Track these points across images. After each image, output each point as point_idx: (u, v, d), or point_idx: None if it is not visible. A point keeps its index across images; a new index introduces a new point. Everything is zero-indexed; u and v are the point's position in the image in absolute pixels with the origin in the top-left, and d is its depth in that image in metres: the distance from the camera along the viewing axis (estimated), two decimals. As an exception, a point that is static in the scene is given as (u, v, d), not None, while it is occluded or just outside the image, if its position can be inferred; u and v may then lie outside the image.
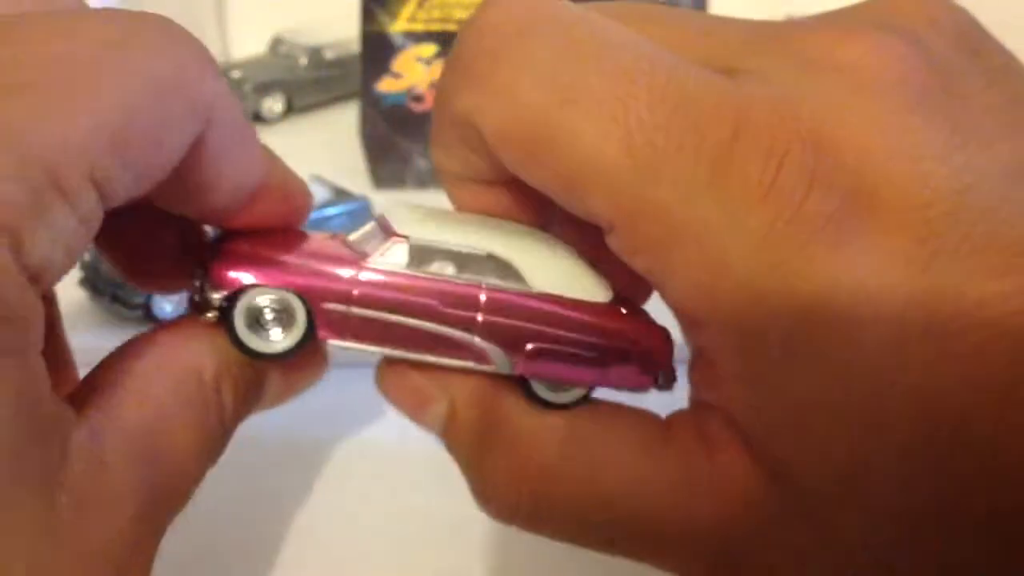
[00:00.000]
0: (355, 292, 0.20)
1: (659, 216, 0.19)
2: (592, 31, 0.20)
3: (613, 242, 0.20)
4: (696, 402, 0.22)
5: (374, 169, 0.54)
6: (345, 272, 0.20)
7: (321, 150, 0.58)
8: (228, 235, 0.22)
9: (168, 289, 0.24)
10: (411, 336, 0.21)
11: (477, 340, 0.21)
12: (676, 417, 0.22)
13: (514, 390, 0.22)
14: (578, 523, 0.22)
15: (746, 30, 0.21)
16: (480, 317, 0.21)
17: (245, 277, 0.20)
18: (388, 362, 0.22)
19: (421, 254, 0.21)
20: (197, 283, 0.21)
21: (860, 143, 0.18)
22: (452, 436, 0.22)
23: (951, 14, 0.21)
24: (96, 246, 0.23)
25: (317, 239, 0.22)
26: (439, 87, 0.21)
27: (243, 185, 0.21)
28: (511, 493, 0.21)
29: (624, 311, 0.21)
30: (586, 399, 0.22)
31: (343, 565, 0.29)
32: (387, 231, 0.21)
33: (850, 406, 0.18)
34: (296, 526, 0.31)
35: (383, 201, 0.49)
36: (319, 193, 0.47)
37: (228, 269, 0.20)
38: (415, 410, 0.22)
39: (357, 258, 0.21)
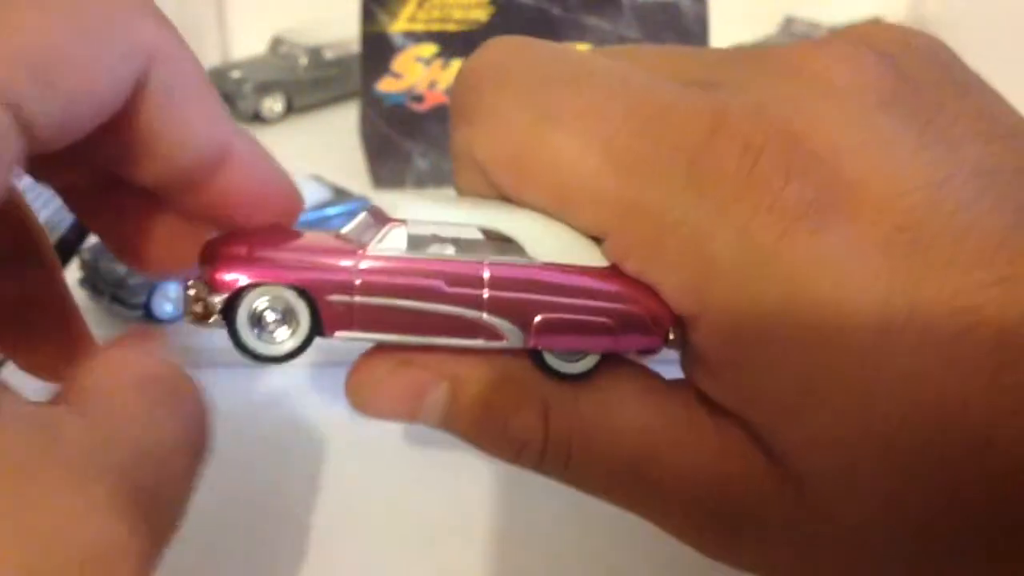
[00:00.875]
0: (358, 281, 0.20)
1: (644, 217, 0.19)
2: (568, 59, 0.21)
3: (607, 250, 0.21)
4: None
5: (374, 169, 0.54)
6: (345, 262, 0.20)
7: (321, 150, 0.58)
8: (223, 238, 0.21)
9: (166, 272, 0.24)
10: (419, 320, 0.20)
11: (486, 317, 0.21)
12: (680, 384, 0.22)
13: (516, 355, 0.21)
14: (593, 463, 0.22)
15: (724, 53, 0.23)
16: (486, 294, 0.20)
17: (242, 278, 0.20)
18: (360, 371, 0.22)
19: (420, 237, 0.20)
20: (193, 291, 0.20)
21: (833, 140, 0.19)
22: (459, 413, 0.22)
23: (924, 39, 0.22)
24: (92, 228, 0.24)
25: (312, 236, 0.22)
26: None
27: (200, 145, 0.20)
28: (538, 433, 0.22)
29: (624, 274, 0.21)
30: (597, 367, 0.22)
31: (343, 565, 0.29)
32: (381, 218, 0.21)
33: (839, 392, 0.19)
34: (295, 526, 0.31)
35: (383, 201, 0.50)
36: (319, 193, 0.47)
37: (225, 272, 0.20)
38: (411, 403, 0.22)
39: (355, 248, 0.20)
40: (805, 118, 0.19)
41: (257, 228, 0.22)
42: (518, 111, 0.20)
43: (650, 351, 0.22)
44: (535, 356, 0.21)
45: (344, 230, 0.22)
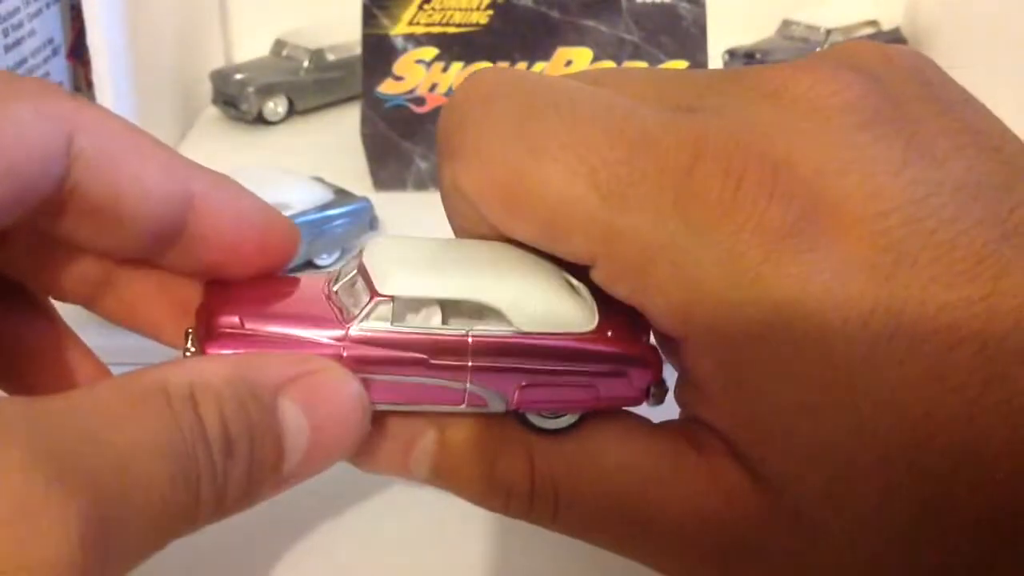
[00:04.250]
0: (344, 354, 0.20)
1: (631, 243, 0.19)
2: (551, 90, 0.21)
3: (596, 276, 0.21)
4: (686, 416, 0.22)
5: (375, 171, 0.55)
6: (333, 335, 0.20)
7: (323, 152, 0.59)
8: (216, 302, 0.21)
9: (164, 330, 0.24)
10: (405, 390, 0.21)
11: (470, 386, 0.21)
12: (667, 422, 0.22)
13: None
14: (580, 506, 0.22)
15: (707, 75, 0.23)
16: (470, 363, 0.21)
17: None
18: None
19: (406, 306, 0.21)
20: (191, 355, 0.21)
21: (814, 161, 0.19)
22: (446, 459, 0.22)
23: (908, 56, 0.22)
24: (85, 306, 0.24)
25: (302, 293, 0.22)
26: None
27: (157, 196, 0.20)
28: (525, 476, 0.22)
29: (610, 333, 0.22)
30: (579, 423, 0.22)
31: (343, 565, 0.30)
32: (370, 288, 0.21)
33: (827, 411, 0.19)
34: (294, 525, 0.31)
35: (384, 202, 0.50)
36: (320, 194, 0.47)
37: (218, 349, 0.20)
38: (401, 456, 0.22)
39: (344, 319, 0.21)
40: (787, 140, 0.19)
41: (249, 281, 0.22)
42: (503, 144, 0.21)
43: (631, 405, 0.22)
44: (517, 414, 0.22)
45: (336, 287, 0.22)
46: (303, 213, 0.45)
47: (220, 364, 0.18)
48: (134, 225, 0.21)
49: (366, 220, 0.48)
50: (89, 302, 0.23)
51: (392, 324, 0.20)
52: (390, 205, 0.50)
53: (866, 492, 0.19)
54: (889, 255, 0.18)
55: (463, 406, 0.21)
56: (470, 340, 0.21)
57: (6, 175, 0.18)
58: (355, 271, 0.22)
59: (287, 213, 0.44)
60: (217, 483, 0.17)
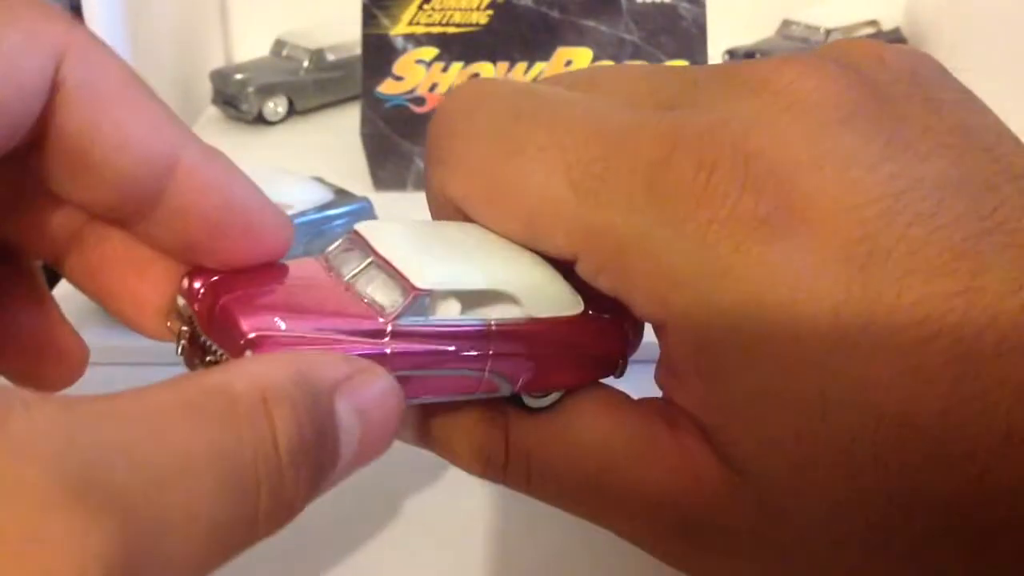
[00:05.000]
0: (388, 352, 0.20)
1: (608, 237, 0.20)
2: (531, 97, 0.22)
3: (580, 270, 0.21)
4: (664, 397, 0.23)
5: (375, 171, 0.55)
6: (372, 333, 0.20)
7: (323, 151, 0.59)
8: (211, 283, 0.20)
9: (140, 314, 0.22)
10: (434, 383, 0.21)
11: (487, 374, 0.21)
12: (644, 400, 0.23)
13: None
14: (554, 476, 0.23)
15: (699, 71, 0.23)
16: (491, 352, 0.21)
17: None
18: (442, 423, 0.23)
19: (436, 298, 0.21)
20: (182, 350, 0.20)
21: (789, 154, 0.19)
22: (430, 427, 0.23)
23: (903, 55, 0.22)
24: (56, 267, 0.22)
25: (313, 283, 0.21)
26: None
27: (138, 150, 0.19)
28: (500, 457, 0.23)
29: (591, 314, 0.23)
30: (561, 398, 0.23)
31: (342, 566, 0.30)
32: (404, 282, 0.20)
33: (796, 397, 0.19)
34: (293, 526, 0.31)
35: (384, 202, 0.50)
36: (320, 194, 0.47)
37: (258, 350, 0.18)
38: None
39: (377, 315, 0.20)
40: (764, 133, 0.19)
41: (242, 271, 0.20)
42: (485, 149, 0.21)
43: (603, 378, 0.24)
44: (514, 396, 0.23)
45: (350, 277, 0.21)
46: (303, 213, 0.45)
47: (283, 364, 0.17)
48: (106, 176, 0.19)
49: (366, 220, 0.48)
50: (57, 259, 0.22)
51: (426, 317, 0.20)
52: (390, 205, 0.50)
53: (829, 482, 0.19)
54: (863, 247, 0.18)
55: (478, 393, 0.22)
56: (494, 328, 0.21)
57: None
58: (370, 260, 0.21)
59: (287, 213, 0.44)
60: (281, 494, 0.15)
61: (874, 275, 0.18)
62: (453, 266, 0.21)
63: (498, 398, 0.22)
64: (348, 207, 0.47)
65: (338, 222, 0.46)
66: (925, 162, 0.19)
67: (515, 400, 0.23)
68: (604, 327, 0.23)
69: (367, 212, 0.48)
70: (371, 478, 0.27)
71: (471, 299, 0.21)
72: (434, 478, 0.33)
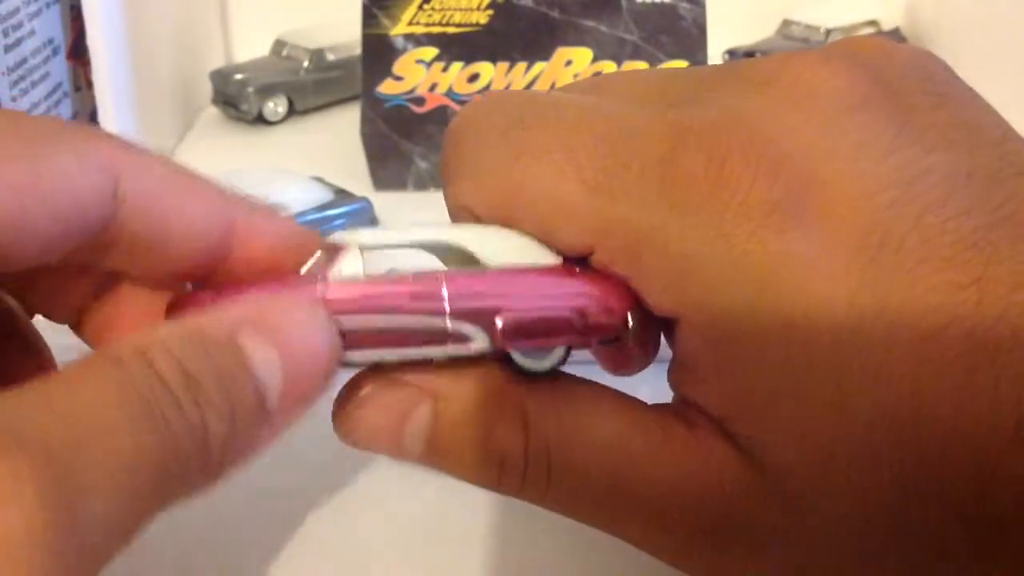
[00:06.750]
0: (325, 296, 0.21)
1: (621, 230, 0.20)
2: (537, 103, 0.23)
3: (595, 264, 0.21)
4: (675, 398, 0.22)
5: (375, 171, 0.55)
6: (309, 292, 0.21)
7: (323, 151, 0.59)
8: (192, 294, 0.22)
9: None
10: (387, 336, 0.21)
11: (450, 323, 0.21)
12: (659, 405, 0.23)
13: (492, 366, 0.22)
14: (572, 480, 0.22)
15: (706, 70, 0.23)
16: (447, 300, 0.21)
17: None
18: (344, 396, 0.22)
19: (377, 259, 0.21)
20: None
21: (801, 143, 0.19)
22: (441, 433, 0.22)
23: (911, 52, 0.22)
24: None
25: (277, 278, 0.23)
26: None
27: (203, 228, 0.21)
28: (519, 448, 0.22)
29: (578, 269, 0.22)
30: (564, 362, 0.22)
31: (342, 567, 0.30)
32: (337, 248, 0.22)
33: (811, 388, 0.19)
34: (293, 527, 0.31)
35: (384, 202, 0.50)
36: (320, 194, 0.47)
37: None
38: (394, 430, 0.22)
39: (316, 279, 0.21)
40: (774, 124, 0.20)
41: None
42: (494, 156, 0.22)
43: (612, 337, 0.22)
44: (505, 360, 0.22)
45: (303, 271, 0.22)
46: (303, 213, 0.45)
47: (170, 324, 0.18)
48: (181, 256, 0.22)
49: (366, 220, 0.48)
50: (71, 320, 0.24)
51: (364, 275, 0.21)
52: (390, 205, 0.50)
53: (849, 473, 0.19)
54: (875, 236, 0.18)
55: (448, 347, 0.22)
56: (444, 278, 0.21)
57: (53, 222, 0.19)
58: (320, 252, 0.22)
59: (287, 213, 0.44)
60: (196, 431, 0.17)
61: (887, 265, 0.18)
62: (394, 231, 0.22)
63: (508, 391, 0.22)
64: (348, 207, 0.47)
65: (338, 222, 0.46)
66: (933, 154, 0.19)
67: (512, 365, 0.22)
68: (596, 280, 0.22)
69: (367, 212, 0.48)
70: (372, 478, 0.27)
71: (432, 260, 0.22)
72: (433, 479, 0.32)
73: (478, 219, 0.22)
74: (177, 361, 0.17)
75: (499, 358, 0.22)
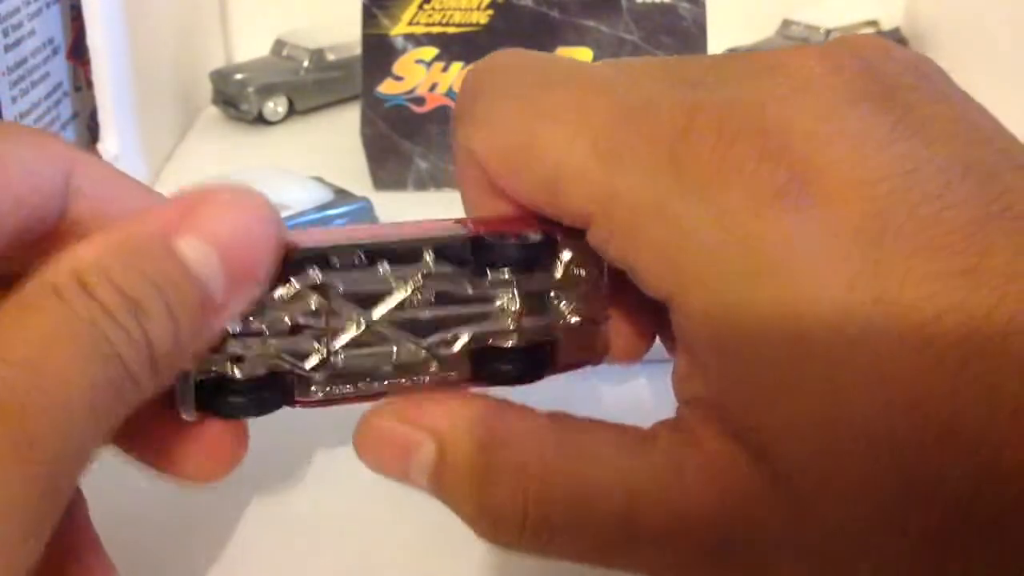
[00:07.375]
0: None
1: (625, 201, 0.21)
2: (559, 65, 0.24)
3: (592, 237, 0.22)
4: (678, 405, 0.22)
5: (375, 171, 0.55)
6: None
7: (323, 151, 0.59)
8: None
9: None
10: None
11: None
12: (657, 424, 0.22)
13: (499, 406, 0.22)
14: (578, 526, 0.22)
15: (710, 58, 0.24)
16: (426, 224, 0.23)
17: None
18: (363, 425, 0.23)
19: None
20: None
21: (804, 129, 0.20)
22: (444, 475, 0.22)
23: (908, 52, 0.22)
24: None
25: None
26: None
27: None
28: (517, 504, 0.21)
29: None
30: (541, 375, 0.23)
31: (342, 568, 0.30)
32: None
33: (811, 376, 0.19)
34: (293, 528, 0.31)
35: (384, 202, 0.50)
36: (320, 194, 0.47)
37: None
38: (399, 461, 0.22)
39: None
40: (779, 109, 0.20)
41: None
42: (512, 110, 0.22)
43: (532, 236, 0.23)
44: (477, 361, 0.23)
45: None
46: (303, 213, 0.45)
47: (97, 241, 0.18)
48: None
49: (366, 220, 0.48)
50: None
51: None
52: (390, 205, 0.50)
53: (851, 467, 0.19)
54: (873, 224, 0.19)
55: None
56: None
57: (16, 206, 0.20)
58: None
59: (287, 213, 0.44)
60: (142, 349, 0.18)
61: (884, 253, 0.18)
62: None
63: (514, 446, 0.22)
64: (348, 207, 0.47)
65: (338, 222, 0.46)
66: (931, 146, 0.20)
67: (488, 372, 0.23)
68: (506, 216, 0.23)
69: (367, 212, 0.48)
70: (370, 480, 0.27)
71: None
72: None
73: (480, 165, 0.23)
74: (118, 288, 0.17)
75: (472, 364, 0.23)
